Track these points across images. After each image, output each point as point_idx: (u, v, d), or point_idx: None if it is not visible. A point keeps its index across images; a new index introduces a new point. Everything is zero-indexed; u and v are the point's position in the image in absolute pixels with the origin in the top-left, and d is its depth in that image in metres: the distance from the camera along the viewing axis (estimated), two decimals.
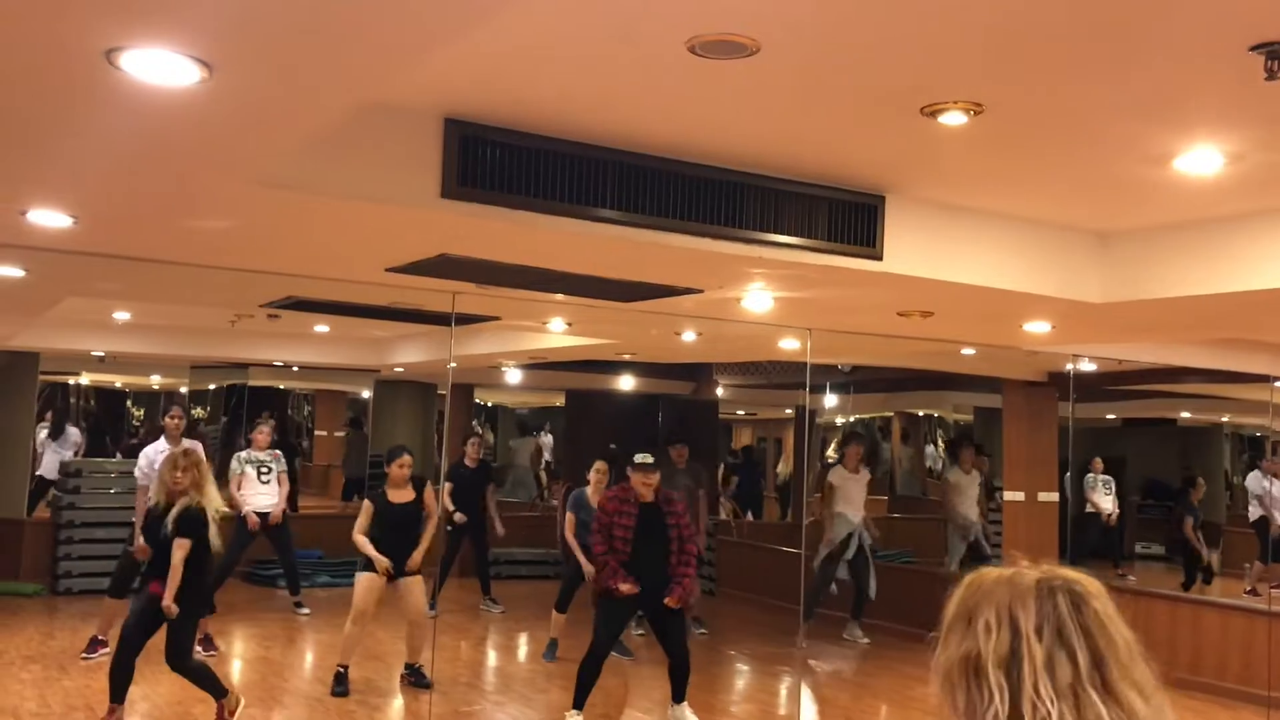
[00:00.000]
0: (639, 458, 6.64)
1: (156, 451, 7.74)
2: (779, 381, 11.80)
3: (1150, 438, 14.98)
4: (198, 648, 7.48)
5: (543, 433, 16.61)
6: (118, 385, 16.71)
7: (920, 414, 16.28)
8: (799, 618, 8.90)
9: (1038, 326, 6.17)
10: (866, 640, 9.56)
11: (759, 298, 5.58)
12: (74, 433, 12.63)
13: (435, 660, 7.59)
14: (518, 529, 12.79)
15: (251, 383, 13.64)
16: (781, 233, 4.32)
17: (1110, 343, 7.33)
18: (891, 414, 16.00)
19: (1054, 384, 9.57)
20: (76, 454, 12.13)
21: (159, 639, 5.97)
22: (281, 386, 15.28)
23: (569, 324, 7.67)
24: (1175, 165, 3.91)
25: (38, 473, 11.50)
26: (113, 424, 17.15)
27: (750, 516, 13.72)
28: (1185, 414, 14.28)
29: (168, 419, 8.23)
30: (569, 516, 8.51)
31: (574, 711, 6.45)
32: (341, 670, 7.17)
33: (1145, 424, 14.62)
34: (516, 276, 5.12)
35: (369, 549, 7.13)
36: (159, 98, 2.63)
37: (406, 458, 7.45)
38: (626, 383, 12.62)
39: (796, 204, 4.33)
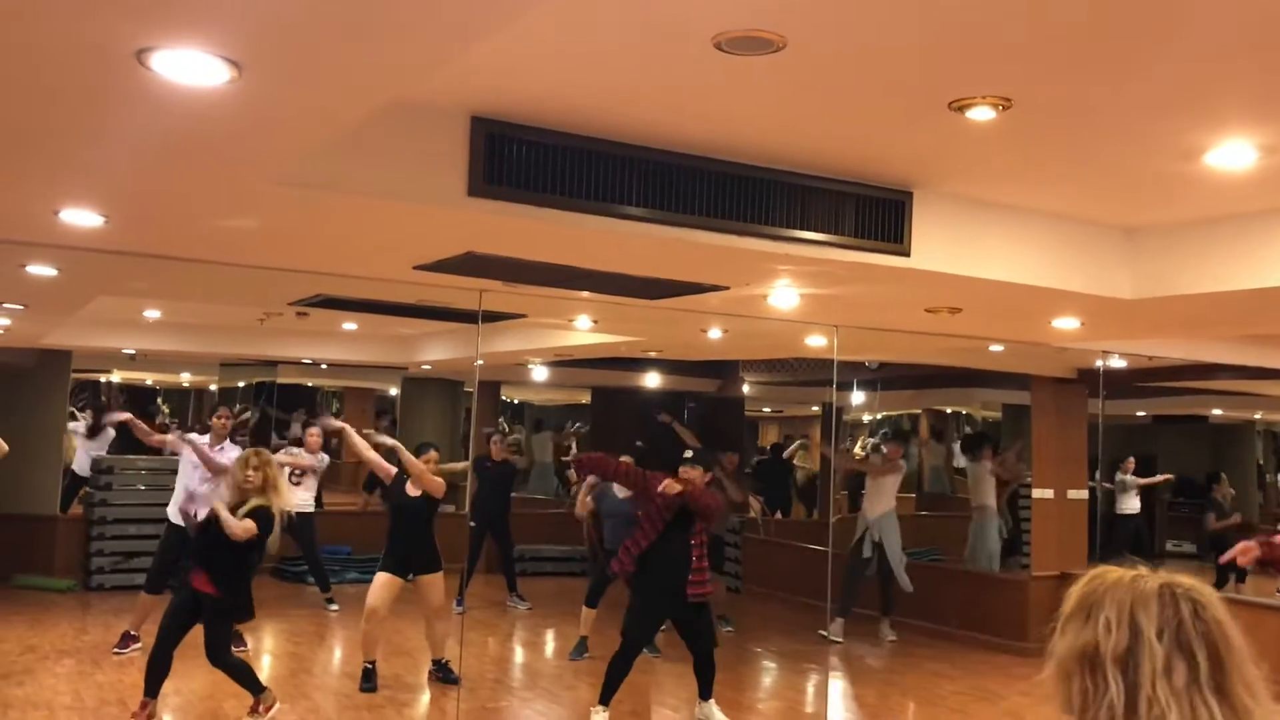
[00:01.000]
0: (687, 453, 6.71)
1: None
2: (805, 379, 11.77)
3: (1181, 435, 14.84)
4: None
5: (571, 429, 16.61)
6: (148, 383, 16.85)
7: (948, 411, 16.19)
8: (825, 615, 8.87)
9: (1067, 323, 6.12)
10: (893, 637, 9.52)
11: (785, 294, 5.57)
12: (109, 431, 12.75)
13: (462, 657, 7.62)
14: (543, 526, 12.83)
15: (280, 380, 13.73)
16: (808, 229, 4.30)
17: (1140, 339, 7.27)
18: (919, 411, 15.92)
19: (1083, 380, 9.50)
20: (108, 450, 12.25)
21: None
22: (310, 384, 15.36)
23: (595, 321, 7.68)
24: (1206, 160, 3.87)
25: (72, 467, 11.62)
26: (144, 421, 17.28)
27: (779, 515, 13.69)
28: (1216, 411, 14.14)
29: (215, 419, 8.30)
30: (590, 503, 8.57)
31: (600, 708, 6.46)
32: (369, 666, 7.21)
33: (1176, 421, 14.49)
34: (543, 274, 5.13)
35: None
36: (189, 98, 2.66)
37: (433, 453, 7.47)
38: (652, 380, 12.62)
39: (823, 200, 4.32)
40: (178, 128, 3.01)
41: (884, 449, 10.20)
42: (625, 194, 3.92)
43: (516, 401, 17.08)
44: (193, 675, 7.25)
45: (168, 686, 6.57)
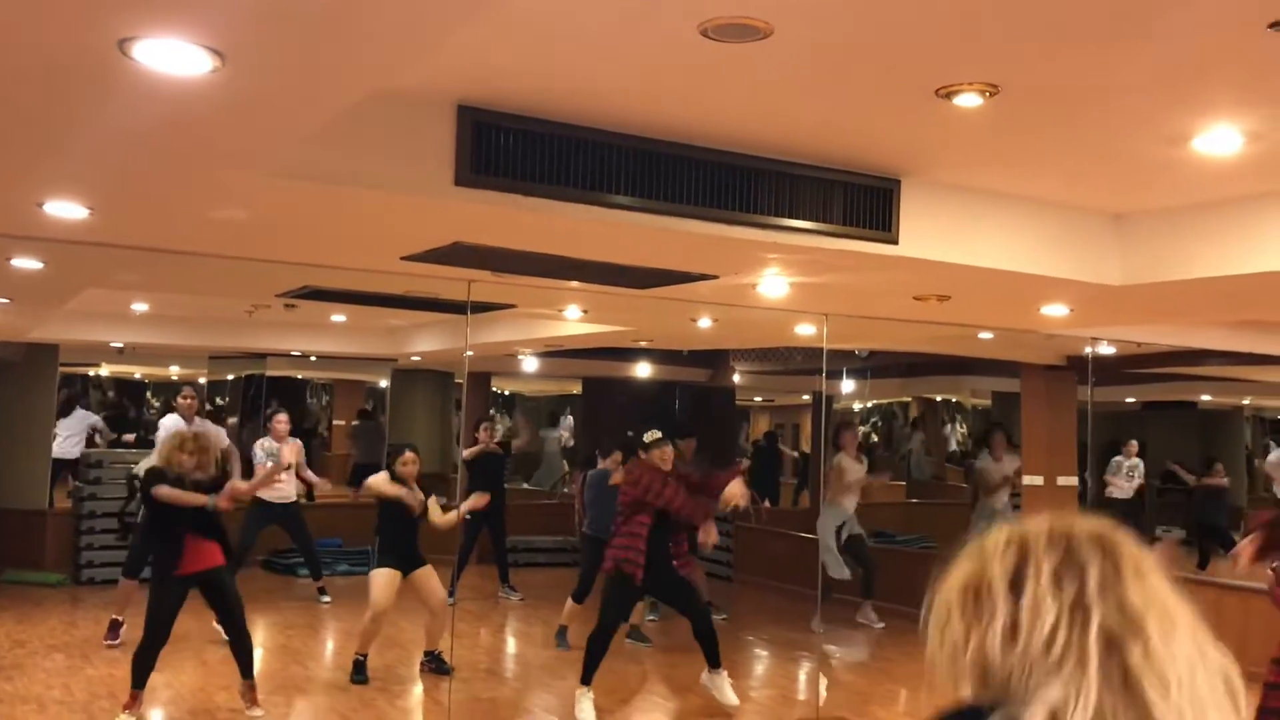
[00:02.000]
0: (649, 436, 6.67)
1: (174, 422, 7.87)
2: (796, 367, 11.78)
3: (1170, 421, 14.90)
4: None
5: (561, 420, 16.63)
6: (137, 376, 16.81)
7: (938, 399, 16.24)
8: (816, 604, 8.90)
9: (1056, 310, 6.13)
10: (881, 624, 9.55)
11: (774, 283, 5.57)
12: (90, 416, 12.70)
13: (454, 647, 7.62)
14: (535, 517, 12.83)
15: (269, 372, 13.70)
16: (796, 217, 4.30)
17: (1129, 325, 7.28)
18: (909, 399, 15.96)
19: (1073, 367, 9.51)
20: (94, 437, 12.24)
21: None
22: (299, 376, 15.33)
23: (584, 311, 7.66)
24: (1194, 145, 3.87)
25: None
26: (133, 415, 17.26)
27: (768, 504, 13.74)
28: (1205, 397, 14.19)
29: (180, 399, 8.31)
30: (578, 495, 8.71)
31: (584, 688, 6.46)
32: (360, 659, 7.21)
33: (1165, 407, 14.54)
34: (531, 264, 5.12)
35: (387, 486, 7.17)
36: (171, 88, 2.64)
37: (409, 455, 7.34)
38: (643, 370, 12.62)
39: (811, 188, 4.31)
40: (161, 118, 2.99)
41: (842, 436, 10.14)
42: (613, 183, 3.91)
43: (508, 393, 17.07)
44: (182, 668, 7.25)
45: (158, 680, 6.55)
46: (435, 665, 7.42)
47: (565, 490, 14.13)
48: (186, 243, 5.07)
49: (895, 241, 4.55)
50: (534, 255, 4.86)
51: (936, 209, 4.65)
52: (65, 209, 4.22)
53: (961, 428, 16.19)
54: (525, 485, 14.90)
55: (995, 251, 4.87)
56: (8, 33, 2.39)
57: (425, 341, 10.68)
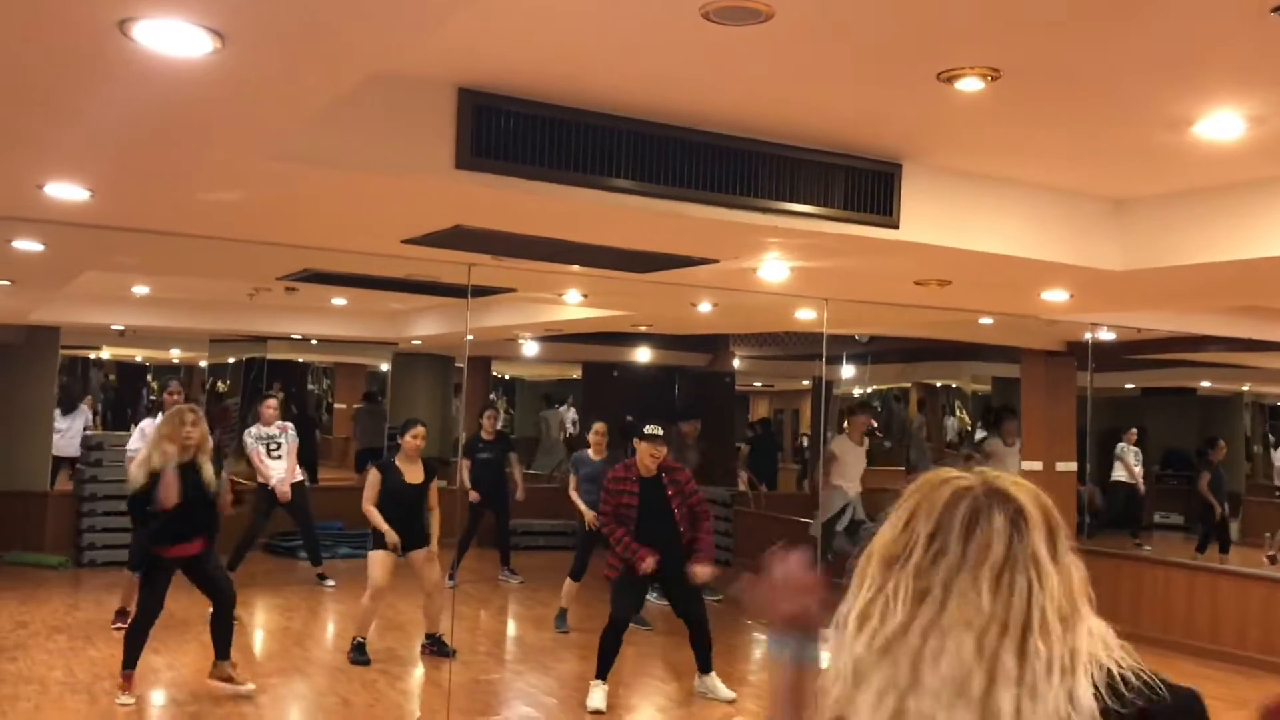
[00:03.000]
0: (649, 429, 6.69)
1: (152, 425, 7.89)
2: (796, 352, 11.79)
3: (1169, 407, 14.90)
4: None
5: (566, 405, 16.64)
6: (138, 359, 16.81)
7: (938, 385, 16.23)
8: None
9: (1056, 295, 6.13)
10: None
11: (775, 267, 5.57)
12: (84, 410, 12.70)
13: (455, 630, 7.65)
14: (534, 500, 12.84)
15: (270, 356, 13.70)
16: (797, 201, 4.29)
17: (1129, 311, 7.29)
18: (909, 385, 15.95)
19: (1072, 353, 9.52)
20: (87, 428, 12.24)
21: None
22: (300, 359, 15.33)
23: (585, 295, 7.66)
24: (1195, 130, 3.86)
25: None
26: (134, 398, 17.28)
27: (765, 488, 13.77)
28: (1205, 383, 14.19)
29: (166, 395, 8.32)
30: (572, 478, 8.84)
31: (598, 681, 6.50)
32: (360, 641, 7.23)
33: (1164, 393, 14.55)
34: (531, 247, 5.12)
35: (380, 522, 7.15)
36: (172, 69, 2.63)
37: (420, 429, 7.46)
38: (643, 354, 12.63)
39: (812, 172, 4.31)
40: (161, 99, 2.98)
41: (852, 420, 10.18)
42: (614, 166, 3.90)
43: (508, 377, 17.08)
44: (184, 649, 7.28)
45: (159, 661, 6.59)
46: (436, 648, 7.45)
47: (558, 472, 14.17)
48: (187, 225, 5.07)
49: (896, 226, 4.55)
50: (534, 239, 4.86)
51: (938, 193, 4.64)
52: (66, 191, 4.22)
53: (961, 413, 16.19)
54: (528, 470, 14.92)
55: (996, 236, 4.87)
56: (8, 14, 2.38)
57: (426, 325, 10.69)
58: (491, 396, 15.01)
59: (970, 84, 3.38)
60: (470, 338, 9.86)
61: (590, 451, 8.91)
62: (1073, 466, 9.86)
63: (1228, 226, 4.74)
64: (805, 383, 15.54)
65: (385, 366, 14.67)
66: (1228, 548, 11.87)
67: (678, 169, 4.02)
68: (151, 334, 12.97)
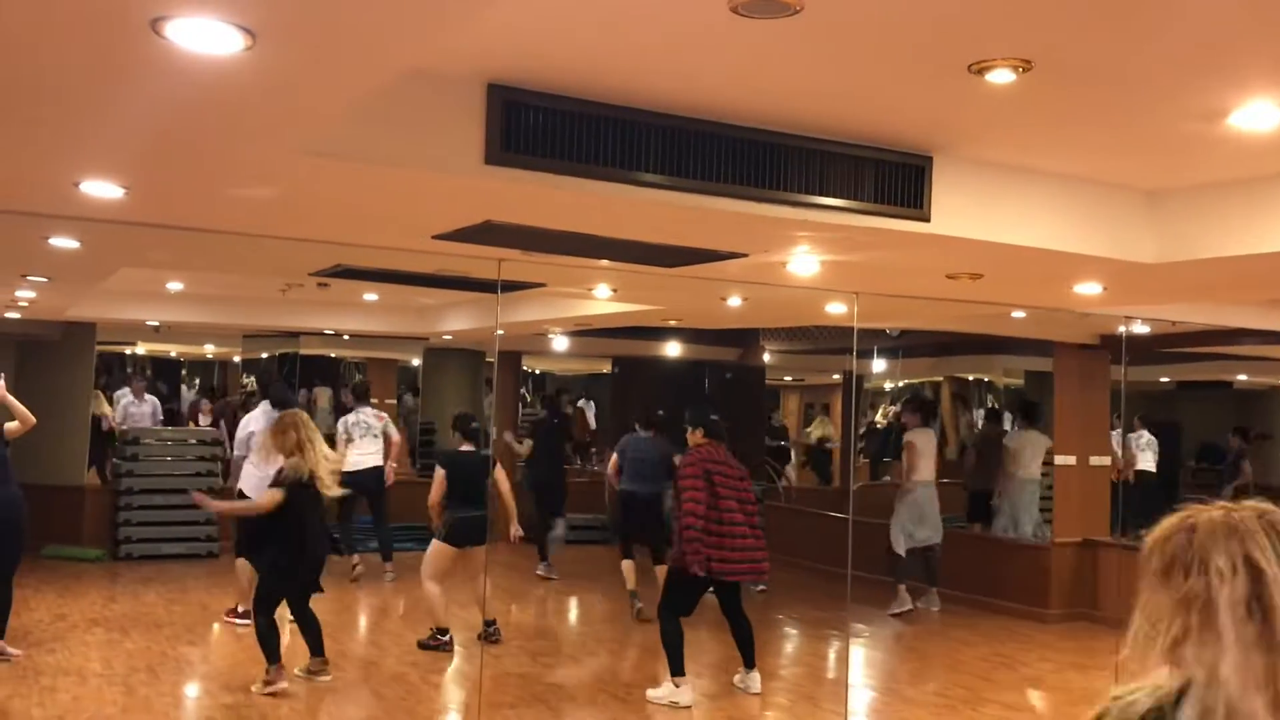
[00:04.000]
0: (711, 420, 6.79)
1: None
2: (826, 346, 11.73)
3: (1205, 401, 14.74)
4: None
5: (584, 400, 16.65)
6: (173, 355, 16.96)
7: (970, 378, 16.12)
8: (846, 583, 8.88)
9: (1089, 288, 6.08)
10: (936, 607, 9.48)
11: (805, 261, 5.55)
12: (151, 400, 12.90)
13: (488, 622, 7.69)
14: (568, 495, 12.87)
15: (303, 351, 13.79)
16: (827, 195, 4.28)
17: (1164, 304, 7.21)
18: (940, 378, 15.85)
19: (1106, 347, 9.44)
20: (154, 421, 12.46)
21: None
22: (333, 355, 15.42)
23: (614, 290, 7.67)
24: (1230, 121, 3.81)
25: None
26: (170, 393, 17.43)
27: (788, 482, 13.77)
28: (1241, 376, 14.03)
29: (201, 414, 8.42)
30: (614, 458, 9.05)
31: (677, 678, 6.50)
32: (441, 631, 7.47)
33: (1200, 387, 14.39)
34: (561, 242, 5.13)
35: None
36: (203, 66, 2.66)
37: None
38: (673, 349, 12.62)
39: (842, 165, 4.29)
40: (193, 97, 3.01)
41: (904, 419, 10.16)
42: (643, 161, 3.90)
43: (538, 372, 17.10)
44: (220, 642, 7.35)
45: (194, 654, 6.65)
46: (495, 634, 7.71)
47: (596, 468, 14.18)
48: (220, 221, 5.12)
49: (927, 219, 4.52)
50: (564, 234, 4.87)
51: (969, 186, 4.61)
52: (101, 188, 4.27)
53: (993, 406, 16.08)
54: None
55: (1028, 229, 4.83)
56: (43, 14, 2.41)
57: (456, 320, 10.73)
58: (522, 391, 15.05)
59: (1001, 75, 3.36)
60: (500, 332, 9.89)
61: (639, 434, 9.09)
62: (1106, 460, 9.77)
63: (1264, 218, 4.68)
64: (836, 377, 15.48)
65: (416, 361, 14.73)
66: None
67: (706, 163, 4.02)
68: (186, 329, 13.10)
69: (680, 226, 4.68)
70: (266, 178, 4.08)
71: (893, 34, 3.13)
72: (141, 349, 15.75)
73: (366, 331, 12.11)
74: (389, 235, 5.39)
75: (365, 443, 9.75)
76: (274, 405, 7.74)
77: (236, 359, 15.56)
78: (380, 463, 9.79)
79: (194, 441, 11.30)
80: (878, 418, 14.52)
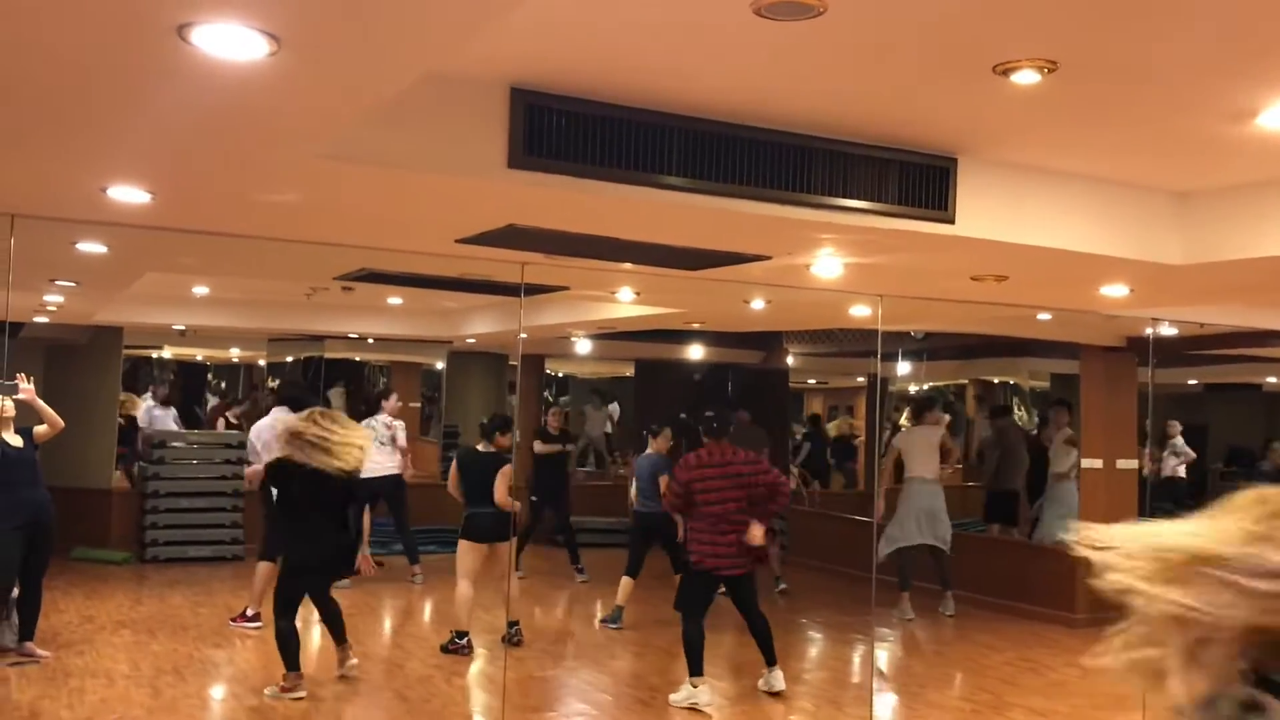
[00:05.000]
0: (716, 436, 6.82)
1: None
2: (850, 349, 11.69)
3: (1233, 404, 14.61)
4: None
5: (610, 402, 16.66)
6: (199, 358, 17.07)
7: (995, 381, 16.04)
8: (870, 586, 8.85)
9: (1115, 290, 6.03)
10: (950, 611, 9.44)
11: (829, 264, 5.53)
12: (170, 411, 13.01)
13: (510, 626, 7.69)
14: (590, 498, 12.89)
15: (328, 355, 13.87)
16: (851, 197, 4.26)
17: (1191, 306, 7.14)
18: (966, 381, 15.78)
19: (1133, 349, 9.35)
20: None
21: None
22: (357, 358, 15.50)
23: (637, 293, 7.67)
24: (1259, 121, 3.78)
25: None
26: (196, 396, 17.54)
27: (818, 485, 13.70)
28: (1271, 379, 13.90)
29: (221, 420, 8.46)
30: (632, 486, 9.15)
31: (695, 679, 6.52)
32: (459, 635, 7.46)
33: (1228, 389, 14.26)
34: (584, 246, 5.13)
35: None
36: (229, 72, 2.67)
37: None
38: (696, 352, 12.61)
39: (866, 167, 4.27)
40: (219, 103, 3.03)
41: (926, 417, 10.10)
42: (666, 164, 3.90)
43: (561, 375, 17.12)
44: (243, 645, 7.39)
45: (219, 656, 6.69)
46: (518, 637, 7.72)
47: (620, 471, 14.20)
48: (245, 226, 5.15)
49: (952, 221, 4.50)
50: (586, 237, 4.87)
51: (994, 188, 4.59)
52: (128, 194, 4.30)
53: (1019, 410, 15.99)
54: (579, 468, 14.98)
55: (1053, 231, 4.80)
56: (71, 20, 2.44)
57: (480, 324, 10.76)
58: (546, 394, 15.07)
59: (1027, 76, 3.34)
60: (524, 336, 9.91)
61: (651, 448, 9.03)
62: (1133, 464, 9.69)
63: None
64: (860, 379, 15.42)
65: (440, 365, 14.78)
66: None
67: (729, 165, 4.01)
68: (212, 334, 13.19)
69: (703, 229, 4.68)
70: (291, 182, 4.10)
71: (916, 35, 3.11)
72: (168, 353, 15.87)
73: (390, 335, 12.16)
74: (413, 239, 5.41)
75: (378, 451, 9.77)
76: (293, 408, 7.77)
77: (262, 362, 15.66)
78: (396, 470, 9.81)
79: (220, 445, 11.37)
80: (902, 420, 14.45)
